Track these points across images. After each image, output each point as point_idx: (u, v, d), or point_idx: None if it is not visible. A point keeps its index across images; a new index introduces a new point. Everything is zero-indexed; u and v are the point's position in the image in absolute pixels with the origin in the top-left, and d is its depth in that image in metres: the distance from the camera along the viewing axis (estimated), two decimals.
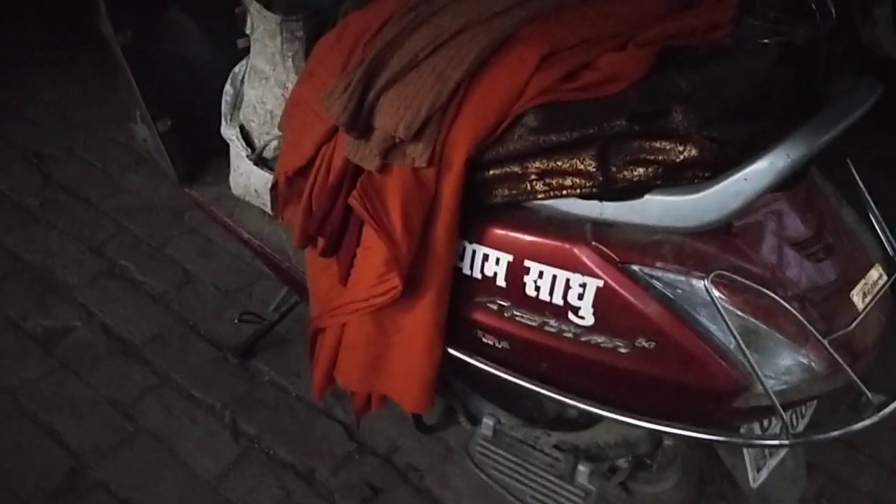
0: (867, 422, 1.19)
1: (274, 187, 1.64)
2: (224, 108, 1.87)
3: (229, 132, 1.86)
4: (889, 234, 1.32)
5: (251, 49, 1.75)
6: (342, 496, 1.76)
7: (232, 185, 1.95)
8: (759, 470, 1.39)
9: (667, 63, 1.25)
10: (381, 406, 1.57)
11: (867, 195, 1.34)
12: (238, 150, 1.86)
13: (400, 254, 1.28)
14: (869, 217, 1.34)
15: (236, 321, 2.10)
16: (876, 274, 1.26)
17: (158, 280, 2.30)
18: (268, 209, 1.84)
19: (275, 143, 1.78)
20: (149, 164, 2.40)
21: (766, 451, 1.40)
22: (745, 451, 1.35)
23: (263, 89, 1.77)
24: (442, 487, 1.80)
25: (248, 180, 1.89)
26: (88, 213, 2.54)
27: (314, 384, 1.63)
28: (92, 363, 2.05)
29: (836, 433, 1.21)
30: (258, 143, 1.83)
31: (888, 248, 1.30)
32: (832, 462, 1.97)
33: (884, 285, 1.26)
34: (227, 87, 1.88)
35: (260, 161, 1.82)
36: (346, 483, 1.79)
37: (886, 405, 1.20)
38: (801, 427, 1.47)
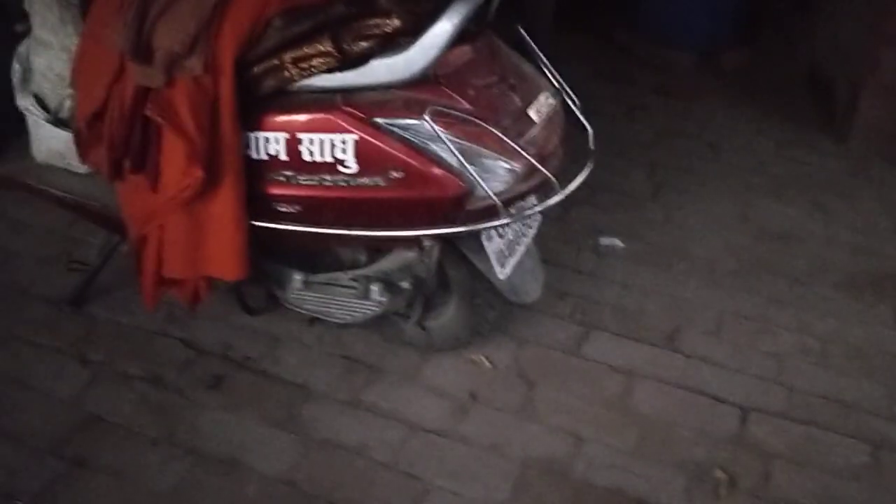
0: (555, 198, 1.69)
1: (77, 135, 1.89)
2: (15, 82, 2.09)
3: (24, 102, 2.07)
4: (553, 72, 1.82)
5: (32, 22, 1.98)
6: (190, 388, 2.03)
7: (35, 153, 2.16)
8: (503, 265, 1.85)
9: None
10: (207, 293, 1.88)
11: (536, 49, 1.84)
12: (36, 117, 2.08)
13: (196, 146, 1.61)
14: (541, 67, 1.84)
15: (67, 269, 2.29)
16: (544, 97, 1.76)
17: None
18: (72, 168, 2.08)
19: (68, 102, 2.02)
20: None
21: (506, 251, 1.86)
22: (488, 250, 1.80)
23: (49, 57, 2.01)
24: (276, 366, 2.12)
25: (50, 144, 2.11)
26: None
27: (145, 294, 1.89)
28: None
29: (534, 209, 1.70)
30: (53, 106, 2.07)
31: (553, 83, 1.81)
32: (580, 288, 2.49)
33: (553, 105, 1.76)
34: (15, 65, 2.09)
35: (58, 122, 2.06)
36: (191, 379, 2.06)
37: (566, 187, 1.71)
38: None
